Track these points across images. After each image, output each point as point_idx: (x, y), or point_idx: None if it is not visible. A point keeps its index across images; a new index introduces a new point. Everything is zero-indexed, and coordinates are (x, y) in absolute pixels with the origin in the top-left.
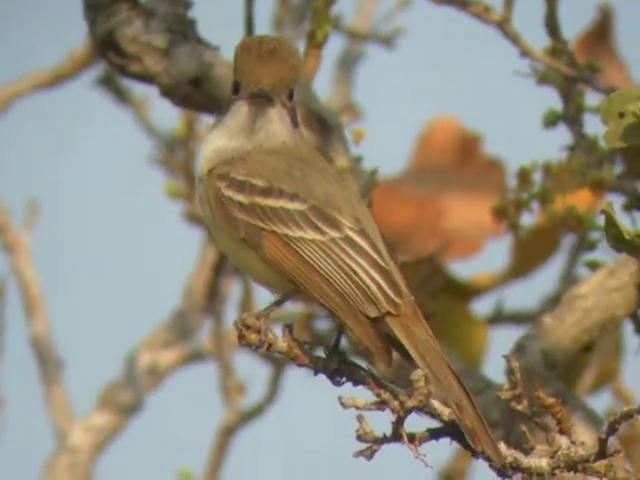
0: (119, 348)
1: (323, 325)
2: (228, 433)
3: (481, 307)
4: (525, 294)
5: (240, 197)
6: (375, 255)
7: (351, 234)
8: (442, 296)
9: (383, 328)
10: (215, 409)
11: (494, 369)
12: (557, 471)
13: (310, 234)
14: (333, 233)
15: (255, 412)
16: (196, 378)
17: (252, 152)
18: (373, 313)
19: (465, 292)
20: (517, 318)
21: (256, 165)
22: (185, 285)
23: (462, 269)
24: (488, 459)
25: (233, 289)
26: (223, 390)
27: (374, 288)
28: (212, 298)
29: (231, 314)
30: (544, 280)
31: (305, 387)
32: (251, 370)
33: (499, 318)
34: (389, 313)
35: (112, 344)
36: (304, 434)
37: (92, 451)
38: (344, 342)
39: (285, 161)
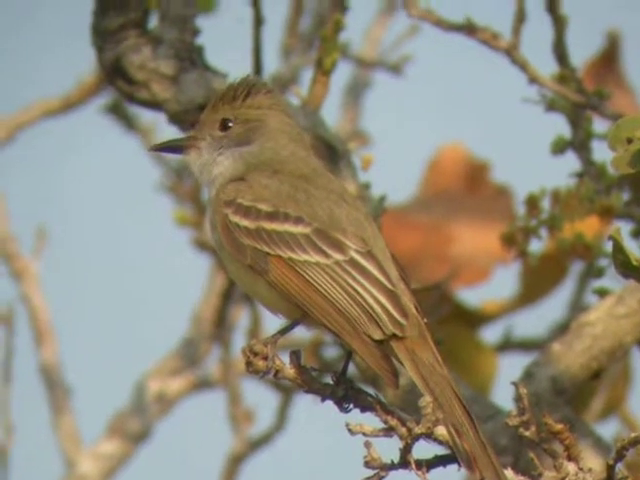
0: (128, 376)
1: (331, 352)
2: (237, 461)
3: (490, 334)
4: (534, 321)
5: (246, 222)
6: (381, 277)
7: (356, 256)
8: (451, 323)
9: (388, 350)
10: (223, 437)
11: (503, 396)
12: None
13: (314, 257)
14: (337, 256)
15: (263, 440)
16: (204, 406)
17: (254, 175)
18: (377, 335)
19: (474, 319)
20: (526, 345)
21: (261, 190)
22: (193, 313)
23: (471, 296)
24: None
25: (241, 317)
26: (231, 418)
27: (378, 310)
28: (220, 326)
29: (239, 342)
30: (553, 307)
31: (313, 414)
32: (259, 398)
33: (508, 345)
34: (394, 335)
35: (121, 372)
36: (312, 461)
37: (101, 479)
38: (352, 369)
39: (289, 183)
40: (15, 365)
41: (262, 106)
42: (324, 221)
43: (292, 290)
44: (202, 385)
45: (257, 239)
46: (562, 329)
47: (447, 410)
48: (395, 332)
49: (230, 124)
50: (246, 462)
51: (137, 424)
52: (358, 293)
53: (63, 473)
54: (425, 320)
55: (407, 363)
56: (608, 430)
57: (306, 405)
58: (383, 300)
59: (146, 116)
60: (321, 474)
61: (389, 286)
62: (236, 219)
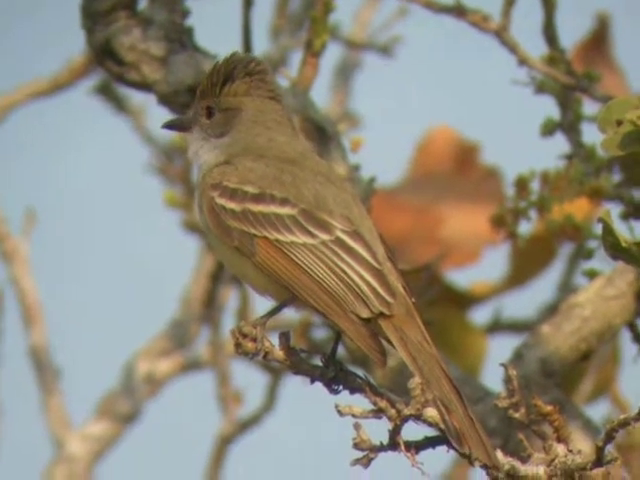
0: (117, 357)
1: (320, 334)
2: (225, 442)
3: (479, 316)
4: (523, 303)
5: (232, 205)
6: (368, 256)
7: (342, 236)
8: (440, 305)
9: (376, 329)
10: (212, 418)
11: (492, 378)
12: (554, 479)
13: (301, 238)
14: (323, 236)
15: (252, 421)
16: (193, 387)
17: (240, 159)
18: (365, 313)
19: (463, 301)
20: (515, 327)
21: (247, 172)
22: (183, 294)
23: (460, 278)
24: (485, 466)
25: (231, 298)
26: (220, 399)
27: (365, 288)
28: (210, 307)
29: (229, 323)
30: (542, 289)
31: (302, 395)
32: (248, 379)
33: (497, 327)
34: (382, 314)
35: (110, 353)
36: (301, 443)
37: (90, 460)
38: (341, 350)
39: (274, 166)
40: (4, 347)
41: (238, 93)
42: (310, 202)
43: (279, 271)
44: (191, 366)
45: (243, 221)
46: (551, 311)
47: (435, 388)
48: (382, 310)
49: (214, 111)
50: (235, 443)
51: (126, 405)
52: (344, 272)
53: (52, 454)
54: (413, 299)
55: (395, 341)
56: (598, 412)
57: (295, 386)
58: (369, 278)
59: (136, 97)
60: (310, 455)
61: (375, 265)
62: (222, 201)
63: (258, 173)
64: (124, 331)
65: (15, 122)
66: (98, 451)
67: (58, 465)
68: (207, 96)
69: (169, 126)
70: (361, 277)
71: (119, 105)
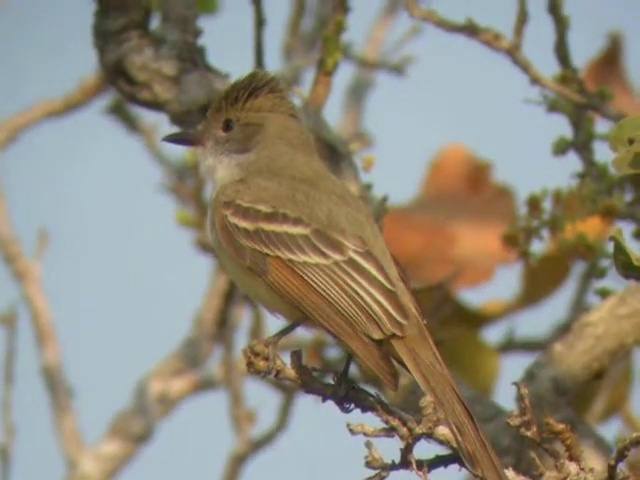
0: (129, 377)
1: (332, 353)
2: (238, 461)
3: (492, 335)
4: (536, 322)
5: (245, 224)
6: (380, 277)
7: (355, 257)
8: (453, 324)
9: (388, 350)
10: (225, 437)
11: (505, 397)
12: None
13: (314, 258)
14: (336, 256)
15: (265, 440)
16: (206, 406)
17: (254, 177)
18: (377, 335)
19: (476, 320)
20: (528, 346)
21: (260, 191)
22: (195, 313)
23: (473, 297)
24: None
25: (243, 317)
26: (233, 418)
27: (377, 310)
28: (222, 326)
29: (241, 342)
30: (554, 308)
31: (314, 414)
32: (261, 398)
33: (510, 346)
34: (394, 335)
35: (122, 373)
36: (314, 461)
37: None
38: (353, 369)
39: (288, 185)
40: (17, 366)
41: (262, 109)
42: (323, 222)
43: (291, 291)
44: (204, 385)
45: (256, 240)
46: (564, 330)
47: (448, 410)
48: (395, 332)
49: (232, 125)
50: (248, 462)
51: (139, 425)
52: (357, 293)
53: (65, 474)
54: (425, 320)
55: (408, 362)
56: (610, 430)
57: (307, 405)
58: (382, 300)
59: (148, 117)
60: (322, 474)
61: (388, 286)
62: (235, 220)
63: (271, 192)
64: (137, 350)
65: (28, 142)
66: (111, 471)
67: None
68: (225, 110)
69: (172, 140)
70: (373, 298)
71: (131, 125)
